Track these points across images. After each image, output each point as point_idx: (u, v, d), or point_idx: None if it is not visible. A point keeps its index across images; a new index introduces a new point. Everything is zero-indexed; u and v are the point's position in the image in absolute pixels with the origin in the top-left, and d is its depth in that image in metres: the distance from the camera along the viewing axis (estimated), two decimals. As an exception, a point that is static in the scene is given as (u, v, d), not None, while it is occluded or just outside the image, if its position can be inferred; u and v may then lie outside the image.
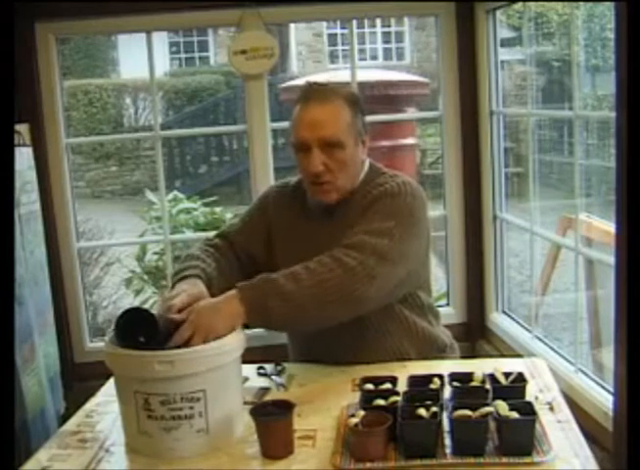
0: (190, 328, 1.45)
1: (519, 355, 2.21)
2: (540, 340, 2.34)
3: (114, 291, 4.56)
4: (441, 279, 2.78)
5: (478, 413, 1.29)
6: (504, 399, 1.32)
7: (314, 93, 1.74)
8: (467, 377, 1.48)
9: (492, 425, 1.30)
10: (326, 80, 1.83)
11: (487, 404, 1.31)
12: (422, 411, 1.31)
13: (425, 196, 1.76)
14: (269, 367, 1.78)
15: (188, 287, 1.60)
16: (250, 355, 1.53)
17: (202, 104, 11.51)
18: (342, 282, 1.53)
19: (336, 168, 1.69)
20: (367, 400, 1.42)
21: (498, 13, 2.45)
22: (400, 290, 1.70)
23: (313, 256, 1.67)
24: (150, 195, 4.84)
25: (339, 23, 11.30)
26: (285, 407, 1.36)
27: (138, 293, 4.25)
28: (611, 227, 1.91)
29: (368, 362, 1.73)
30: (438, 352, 1.84)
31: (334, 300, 1.52)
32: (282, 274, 1.54)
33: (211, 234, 1.99)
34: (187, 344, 1.42)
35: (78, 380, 2.38)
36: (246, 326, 1.53)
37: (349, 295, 1.53)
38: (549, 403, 1.49)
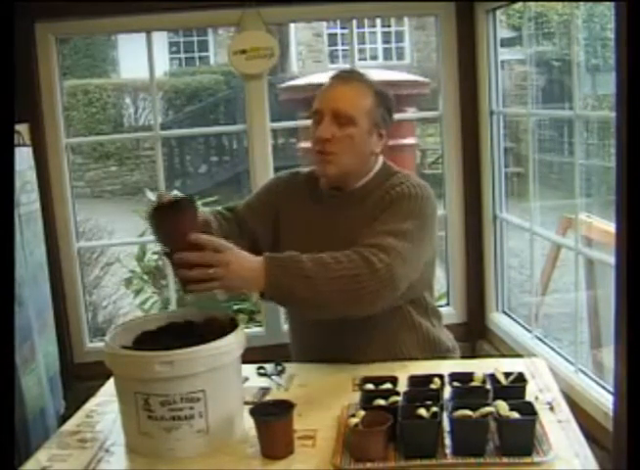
0: (216, 261, 1.43)
1: (519, 355, 2.21)
2: (540, 340, 2.34)
3: (114, 291, 4.56)
4: (441, 279, 2.77)
5: (478, 413, 1.29)
6: (504, 399, 1.32)
7: (343, 74, 1.82)
8: (467, 377, 1.48)
9: (493, 425, 1.30)
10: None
11: (488, 404, 1.31)
12: (422, 411, 1.32)
13: (434, 197, 1.77)
14: (269, 367, 1.78)
15: None
16: (250, 355, 1.53)
17: (202, 104, 11.50)
18: (367, 281, 1.53)
19: (343, 142, 1.71)
20: (367, 400, 1.42)
21: (498, 13, 2.45)
22: (409, 291, 1.69)
23: (318, 240, 1.67)
24: (150, 195, 4.83)
25: (339, 22, 11.30)
26: (285, 407, 1.37)
27: (138, 293, 4.25)
28: (611, 227, 1.91)
29: (371, 361, 1.73)
30: (441, 353, 1.84)
31: (354, 295, 1.53)
32: (309, 258, 1.53)
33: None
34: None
35: (78, 380, 2.38)
36: (261, 295, 1.53)
37: (369, 294, 1.53)
38: (549, 403, 1.50)
